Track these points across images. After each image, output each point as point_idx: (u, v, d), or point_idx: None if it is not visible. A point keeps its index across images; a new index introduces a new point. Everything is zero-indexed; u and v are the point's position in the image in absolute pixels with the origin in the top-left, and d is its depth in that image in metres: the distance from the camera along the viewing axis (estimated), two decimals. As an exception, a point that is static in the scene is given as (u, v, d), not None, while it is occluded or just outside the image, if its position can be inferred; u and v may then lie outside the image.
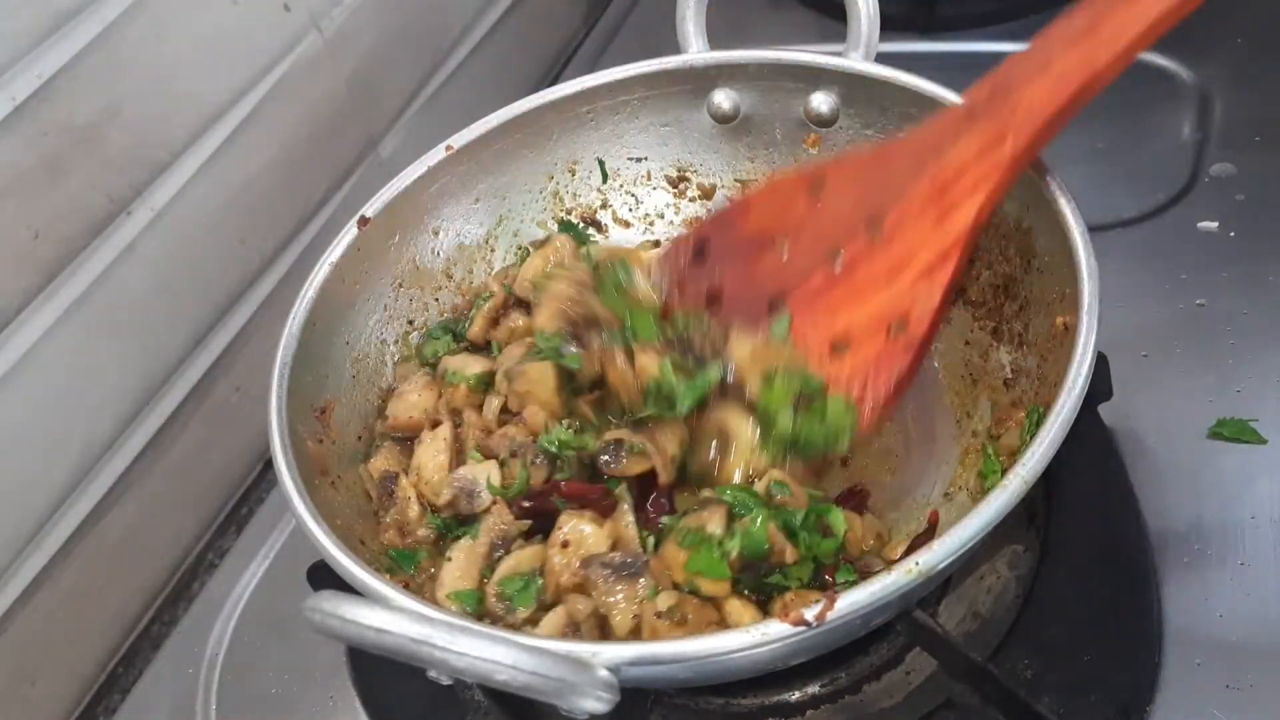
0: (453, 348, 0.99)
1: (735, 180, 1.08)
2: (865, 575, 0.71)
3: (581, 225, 1.09)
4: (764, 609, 0.74)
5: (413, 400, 0.94)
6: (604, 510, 0.81)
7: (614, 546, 0.79)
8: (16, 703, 0.95)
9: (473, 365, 0.94)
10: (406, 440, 0.93)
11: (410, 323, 1.02)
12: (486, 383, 0.94)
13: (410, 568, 0.84)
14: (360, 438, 0.94)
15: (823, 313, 0.82)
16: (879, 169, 0.81)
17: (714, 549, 0.73)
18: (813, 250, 0.83)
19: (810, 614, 0.61)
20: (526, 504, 0.83)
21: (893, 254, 0.79)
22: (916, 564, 0.62)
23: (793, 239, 0.85)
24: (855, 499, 0.87)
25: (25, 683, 0.96)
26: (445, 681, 0.61)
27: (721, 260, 0.89)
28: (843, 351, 0.80)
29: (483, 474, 0.85)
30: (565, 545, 0.78)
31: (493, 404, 0.92)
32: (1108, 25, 0.69)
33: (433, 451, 0.89)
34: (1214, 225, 1.08)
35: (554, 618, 0.76)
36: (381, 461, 0.91)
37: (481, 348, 0.99)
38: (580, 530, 0.79)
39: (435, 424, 0.92)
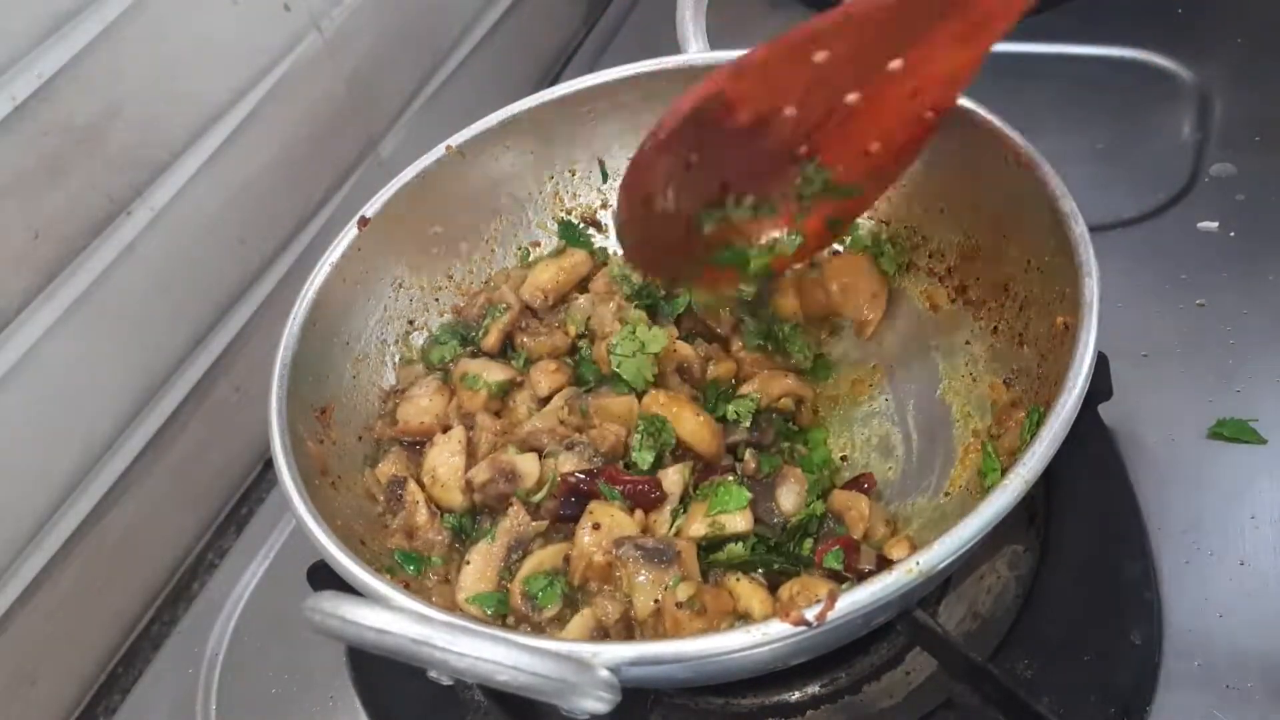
0: (460, 352, 0.99)
1: (735, 180, 1.08)
2: (883, 560, 0.78)
3: (581, 225, 1.09)
4: (774, 593, 0.77)
5: (423, 405, 0.94)
6: (649, 503, 0.83)
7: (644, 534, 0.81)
8: (16, 703, 0.95)
9: (494, 372, 0.95)
10: (415, 445, 0.93)
11: (410, 323, 1.02)
12: (506, 389, 0.95)
13: (418, 570, 0.84)
14: (361, 438, 0.94)
15: (850, 141, 0.81)
16: (887, 19, 0.75)
17: (729, 486, 0.82)
18: (823, 105, 0.79)
19: (811, 614, 0.61)
20: (575, 479, 0.84)
21: (913, 79, 0.77)
22: (917, 564, 0.62)
23: (798, 106, 0.79)
24: (863, 483, 0.89)
25: (25, 683, 0.96)
26: (446, 682, 0.61)
27: (719, 160, 0.82)
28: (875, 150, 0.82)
29: (523, 462, 0.86)
30: (597, 527, 0.79)
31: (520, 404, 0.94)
32: None
33: (447, 454, 0.89)
34: (1214, 225, 1.08)
35: (581, 621, 0.77)
36: (389, 466, 0.91)
37: (495, 355, 1.00)
38: (612, 514, 0.81)
39: (446, 428, 0.92)
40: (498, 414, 0.94)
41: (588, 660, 0.60)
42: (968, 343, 0.94)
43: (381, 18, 1.24)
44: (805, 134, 0.80)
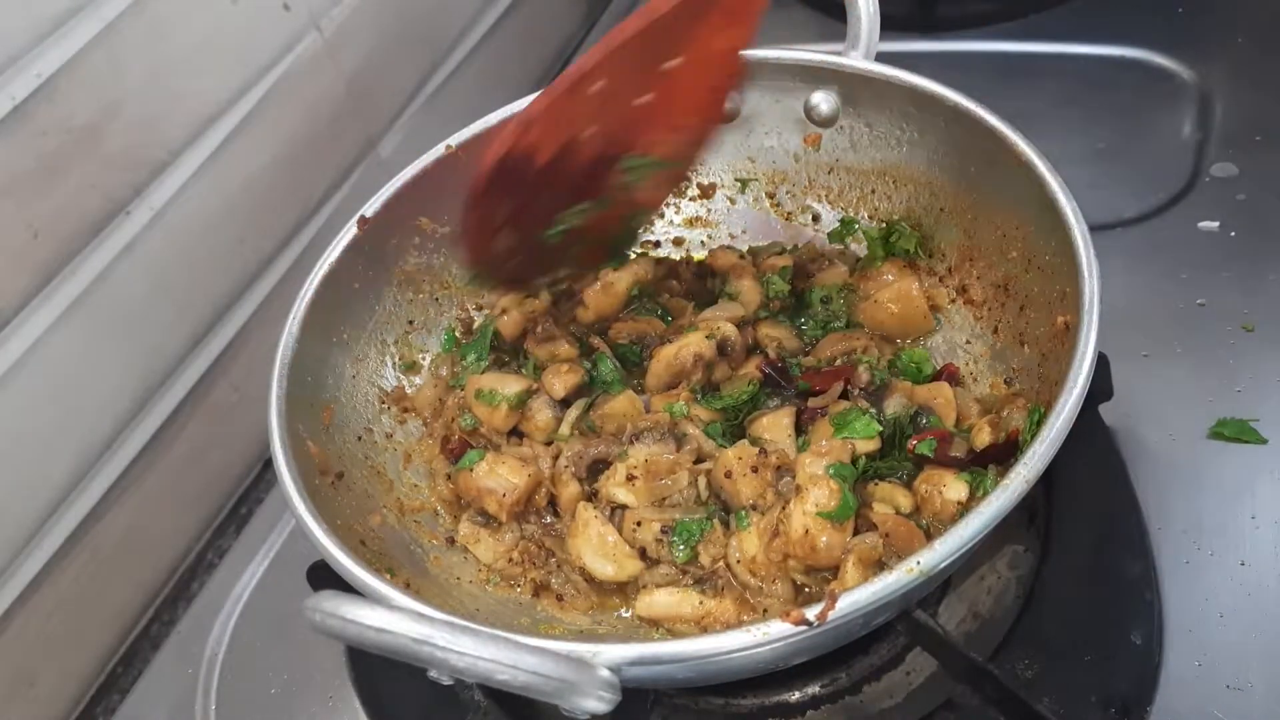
0: (469, 364, 1.01)
1: (735, 180, 1.08)
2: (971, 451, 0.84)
3: (581, 225, 1.09)
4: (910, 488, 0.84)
5: (506, 476, 0.91)
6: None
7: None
8: (16, 703, 0.95)
9: (510, 384, 0.95)
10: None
11: (410, 323, 1.02)
12: (524, 399, 0.95)
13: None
14: (360, 438, 0.94)
15: (658, 127, 0.86)
16: (646, 40, 0.79)
17: (860, 418, 0.86)
18: (619, 115, 0.82)
19: (811, 613, 0.61)
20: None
21: (696, 65, 0.81)
22: (917, 564, 0.62)
23: (597, 124, 0.82)
24: (946, 373, 0.92)
25: (24, 683, 0.96)
26: (446, 681, 0.61)
27: (540, 193, 0.84)
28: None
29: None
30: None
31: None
32: None
33: (596, 534, 0.87)
34: (1214, 225, 1.08)
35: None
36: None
37: (505, 361, 1.01)
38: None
39: (539, 484, 0.91)
40: (515, 428, 0.95)
41: (588, 660, 0.60)
42: (968, 342, 0.94)
43: (381, 18, 1.24)
44: (613, 140, 0.83)
